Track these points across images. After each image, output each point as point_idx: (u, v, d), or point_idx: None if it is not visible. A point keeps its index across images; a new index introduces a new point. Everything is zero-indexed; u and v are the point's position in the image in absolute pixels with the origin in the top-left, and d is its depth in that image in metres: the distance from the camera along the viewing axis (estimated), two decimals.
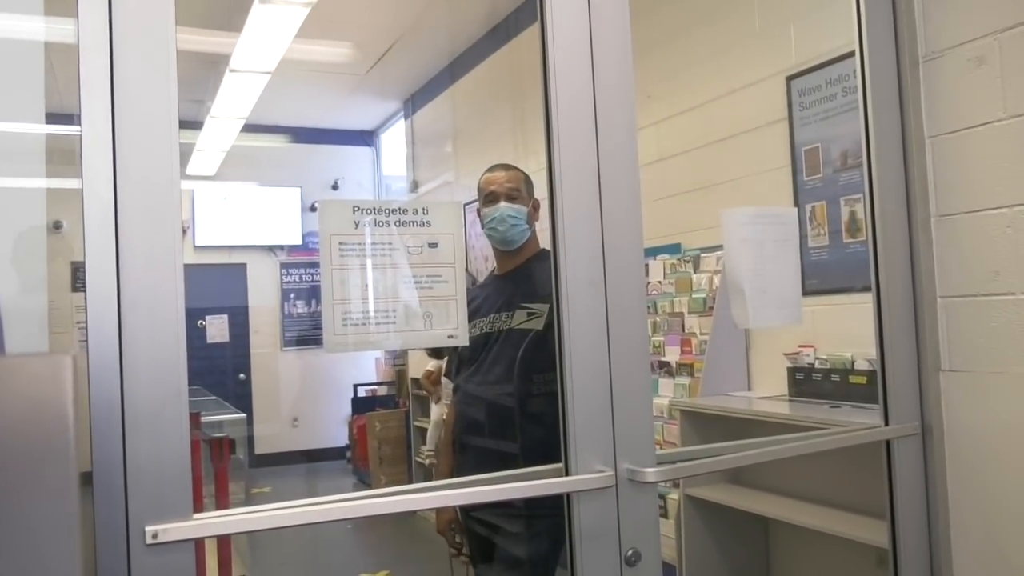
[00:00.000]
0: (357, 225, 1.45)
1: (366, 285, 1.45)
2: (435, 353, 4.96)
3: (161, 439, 1.24)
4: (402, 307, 1.48)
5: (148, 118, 1.27)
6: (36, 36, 1.60)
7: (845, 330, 2.92)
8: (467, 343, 1.63)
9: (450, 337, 1.51)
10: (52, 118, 1.55)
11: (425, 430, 5.89)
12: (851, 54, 2.05)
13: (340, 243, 1.43)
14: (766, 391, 3.27)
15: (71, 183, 1.28)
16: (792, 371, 3.07)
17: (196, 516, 1.26)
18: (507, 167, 2.35)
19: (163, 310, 1.26)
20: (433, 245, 1.51)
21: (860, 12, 2.01)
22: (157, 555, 1.22)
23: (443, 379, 4.79)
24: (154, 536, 1.21)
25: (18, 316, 1.41)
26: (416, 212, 1.51)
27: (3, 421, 0.60)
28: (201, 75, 6.04)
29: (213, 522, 1.31)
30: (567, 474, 1.56)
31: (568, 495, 1.56)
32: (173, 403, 1.26)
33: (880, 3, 2.02)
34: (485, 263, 4.57)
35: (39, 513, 0.59)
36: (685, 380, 3.54)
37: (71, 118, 1.26)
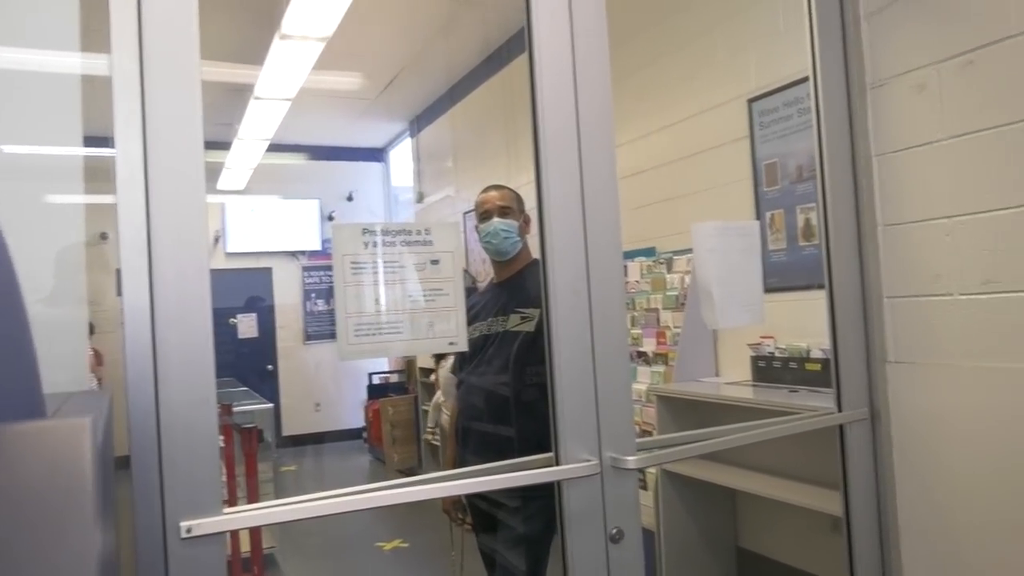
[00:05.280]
0: (367, 246, 1.42)
1: (376, 299, 1.42)
2: (439, 354, 4.93)
3: (192, 440, 1.21)
4: (407, 318, 1.45)
5: (176, 142, 1.24)
6: (73, 70, 1.56)
7: (801, 323, 2.91)
8: (467, 348, 1.60)
9: (451, 344, 1.48)
10: (89, 140, 1.51)
11: None
12: (806, 79, 2.03)
13: (352, 262, 1.40)
14: (732, 377, 3.26)
15: (109, 199, 1.25)
16: (755, 359, 3.06)
17: (226, 510, 1.23)
18: (499, 187, 2.33)
19: (192, 320, 1.23)
20: (435, 262, 1.48)
21: (814, 43, 1.99)
22: (192, 547, 1.19)
23: (445, 376, 4.78)
24: (188, 530, 1.18)
25: (60, 326, 1.38)
26: (419, 233, 1.48)
27: (16, 493, 0.53)
28: (229, 102, 5.99)
29: (242, 516, 1.29)
30: (557, 463, 1.54)
31: (559, 483, 1.54)
32: (202, 407, 1.23)
33: (831, 35, 2.00)
34: (483, 264, 4.54)
35: None
36: (660, 368, 3.52)
37: (107, 140, 1.23)
